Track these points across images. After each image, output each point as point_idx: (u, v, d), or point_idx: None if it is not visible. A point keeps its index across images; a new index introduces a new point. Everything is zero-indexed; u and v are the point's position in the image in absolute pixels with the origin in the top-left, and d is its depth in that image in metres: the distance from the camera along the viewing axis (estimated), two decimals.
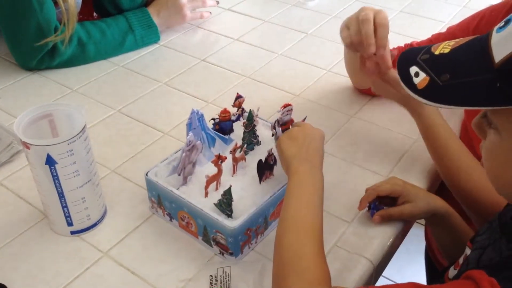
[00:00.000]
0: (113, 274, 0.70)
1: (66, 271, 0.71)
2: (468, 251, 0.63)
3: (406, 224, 0.78)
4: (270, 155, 0.74)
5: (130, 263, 0.72)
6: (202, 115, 0.78)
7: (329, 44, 1.22)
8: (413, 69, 0.53)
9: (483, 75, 0.48)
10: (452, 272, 0.65)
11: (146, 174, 0.75)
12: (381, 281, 1.81)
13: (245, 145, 0.80)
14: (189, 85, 1.08)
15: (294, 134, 0.73)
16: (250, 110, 0.80)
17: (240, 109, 0.85)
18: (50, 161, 0.67)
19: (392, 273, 1.69)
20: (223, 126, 0.83)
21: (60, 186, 0.70)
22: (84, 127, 0.69)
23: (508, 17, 0.49)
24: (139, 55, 1.18)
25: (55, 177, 0.69)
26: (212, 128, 0.82)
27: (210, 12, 1.32)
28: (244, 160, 0.78)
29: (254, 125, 0.81)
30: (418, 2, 1.40)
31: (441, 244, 0.80)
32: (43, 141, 0.66)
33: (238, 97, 0.84)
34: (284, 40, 1.24)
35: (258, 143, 0.82)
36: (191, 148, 0.73)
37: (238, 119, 0.85)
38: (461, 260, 0.64)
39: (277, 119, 0.78)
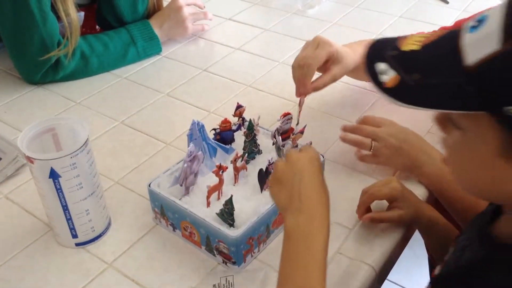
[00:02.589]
0: (118, 285, 0.71)
1: (72, 283, 0.72)
2: (451, 249, 0.63)
3: (408, 230, 0.78)
4: (270, 164, 0.75)
5: (134, 274, 0.72)
6: (202, 126, 0.79)
7: None
8: (380, 66, 0.50)
9: (455, 78, 0.46)
10: (437, 270, 0.65)
11: (149, 185, 0.76)
12: (387, 286, 1.82)
13: (246, 154, 0.80)
14: (191, 95, 1.09)
15: (280, 175, 0.64)
16: (251, 119, 0.81)
17: (241, 118, 0.85)
18: (53, 175, 0.68)
19: (399, 277, 1.69)
20: (224, 136, 0.83)
21: (64, 199, 0.71)
22: (86, 141, 0.70)
23: (480, 16, 0.47)
24: (141, 66, 1.19)
25: (59, 190, 0.70)
26: (213, 138, 0.82)
27: (208, 25, 1.33)
28: (245, 169, 0.79)
29: (255, 134, 0.81)
30: (417, 7, 1.41)
31: (431, 249, 0.81)
32: (46, 155, 0.67)
33: (239, 106, 0.85)
34: (285, 48, 1.25)
35: (259, 152, 0.83)
36: (192, 158, 0.74)
37: (239, 128, 0.85)
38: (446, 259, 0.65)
39: (277, 128, 0.79)
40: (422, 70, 0.49)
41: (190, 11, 1.27)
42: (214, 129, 0.84)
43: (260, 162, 0.80)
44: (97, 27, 1.28)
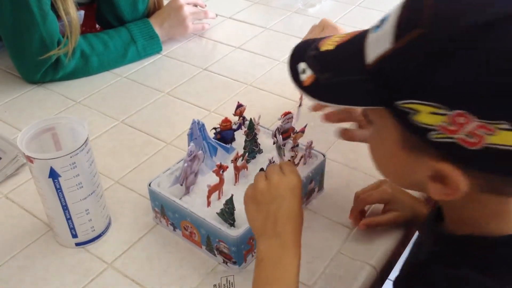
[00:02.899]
0: (118, 285, 0.71)
1: (71, 283, 0.71)
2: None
3: (409, 229, 0.78)
4: (271, 163, 0.75)
5: (134, 274, 0.72)
6: (203, 125, 0.78)
7: None
8: (301, 66, 0.54)
9: (358, 75, 0.49)
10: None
11: (149, 185, 0.76)
12: (389, 286, 1.80)
13: (247, 153, 0.80)
14: (191, 95, 1.09)
15: (259, 196, 0.64)
16: (251, 118, 0.81)
17: (241, 118, 0.85)
18: (53, 174, 0.68)
19: None
20: (225, 135, 0.83)
21: (64, 199, 0.71)
22: (86, 140, 0.69)
23: (384, 15, 0.49)
24: (141, 65, 1.19)
25: (58, 190, 0.69)
26: (213, 138, 0.82)
27: (209, 24, 1.33)
28: (246, 169, 0.79)
29: (255, 134, 0.81)
30: None
31: None
32: (46, 155, 0.67)
33: (239, 106, 0.84)
34: (285, 47, 1.23)
35: (260, 151, 0.82)
36: (192, 158, 0.73)
37: (239, 128, 0.85)
38: None
39: (278, 127, 0.79)
40: (332, 69, 0.52)
41: (191, 10, 1.27)
42: (215, 128, 0.84)
43: (261, 162, 0.80)
44: (97, 26, 1.27)
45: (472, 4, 0.44)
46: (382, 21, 0.49)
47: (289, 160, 0.77)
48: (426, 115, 0.44)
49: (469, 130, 0.43)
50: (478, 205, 0.51)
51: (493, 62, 0.42)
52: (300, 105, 0.83)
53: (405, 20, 0.46)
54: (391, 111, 0.47)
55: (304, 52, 0.55)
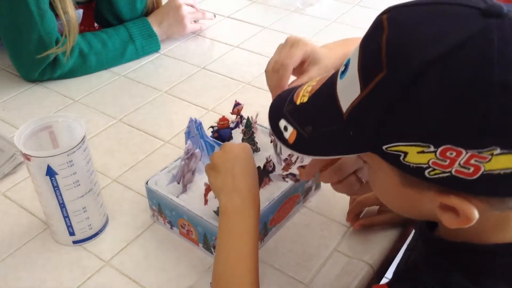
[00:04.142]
0: (115, 282, 0.71)
1: (69, 281, 0.71)
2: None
3: (405, 227, 0.78)
4: (268, 161, 0.75)
5: (131, 272, 0.72)
6: (200, 123, 0.78)
7: None
8: (282, 123, 0.53)
9: (337, 125, 0.48)
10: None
11: (146, 183, 0.76)
12: None
13: None
14: (189, 93, 1.09)
15: (215, 162, 0.68)
16: (248, 117, 0.81)
17: (239, 116, 0.85)
18: (50, 172, 0.68)
19: None
20: (222, 133, 0.83)
21: (61, 197, 0.71)
22: (83, 138, 0.70)
23: (346, 60, 0.49)
24: (139, 64, 1.19)
25: (55, 187, 0.70)
26: (211, 136, 0.82)
27: (205, 24, 1.33)
28: None
29: (253, 132, 0.81)
30: None
31: None
32: (43, 153, 0.67)
33: (237, 104, 0.85)
34: None
35: (257, 149, 0.82)
36: (190, 156, 0.74)
37: (236, 126, 0.85)
38: None
39: None
40: (311, 122, 0.51)
41: (189, 10, 1.27)
42: (212, 127, 0.84)
43: (258, 160, 0.80)
44: (95, 25, 1.27)
45: (420, 39, 0.43)
46: (346, 65, 0.48)
47: (286, 159, 0.77)
48: (415, 155, 0.43)
49: (463, 162, 0.42)
50: (481, 218, 0.49)
51: (456, 89, 0.41)
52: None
53: (367, 65, 0.46)
54: (381, 156, 0.46)
55: (281, 108, 0.54)
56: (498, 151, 0.41)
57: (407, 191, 0.48)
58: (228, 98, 1.06)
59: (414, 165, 0.44)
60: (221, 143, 0.81)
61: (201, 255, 0.74)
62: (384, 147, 0.45)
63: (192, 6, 1.29)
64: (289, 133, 0.52)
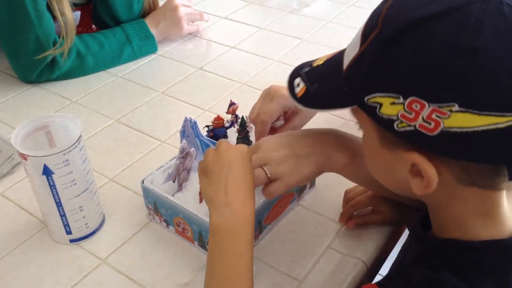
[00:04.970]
0: (111, 280, 0.72)
1: (66, 279, 0.72)
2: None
3: (399, 225, 0.79)
4: None
5: (127, 269, 0.73)
6: (195, 123, 0.79)
7: (324, 49, 1.23)
8: (297, 81, 0.60)
9: (337, 82, 0.54)
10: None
11: (142, 182, 0.77)
12: None
13: None
14: (186, 94, 1.10)
15: (208, 166, 0.64)
16: (243, 116, 0.82)
17: (234, 115, 0.86)
18: (47, 172, 0.69)
19: None
20: (217, 133, 0.84)
21: (58, 196, 0.72)
22: (79, 138, 0.70)
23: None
24: (137, 65, 1.20)
25: (52, 187, 0.70)
26: (206, 135, 0.83)
27: (202, 25, 1.34)
28: None
29: (248, 131, 0.82)
30: None
31: None
32: (39, 152, 0.68)
33: (232, 104, 0.85)
34: (280, 47, 1.25)
35: None
36: (185, 155, 0.74)
37: (231, 125, 0.86)
38: None
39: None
40: (320, 79, 0.58)
41: (186, 11, 1.28)
42: (207, 126, 0.85)
43: None
44: (93, 26, 1.28)
45: (413, 4, 0.49)
46: (356, 34, 0.54)
47: None
48: (388, 106, 0.48)
49: (425, 115, 0.46)
50: (462, 202, 0.52)
51: (428, 49, 0.46)
52: None
53: (368, 27, 0.52)
54: (362, 108, 0.51)
55: (299, 69, 0.61)
56: (456, 107, 0.45)
57: (385, 153, 0.53)
58: (225, 98, 1.07)
59: (386, 117, 0.49)
60: (216, 142, 0.82)
61: (196, 252, 0.75)
62: (365, 98, 0.50)
63: (189, 7, 1.30)
64: (299, 88, 0.59)
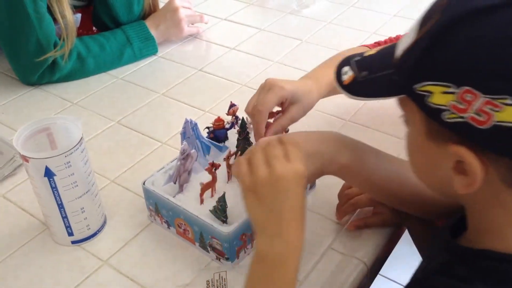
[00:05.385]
0: (113, 281, 0.72)
1: (67, 280, 0.73)
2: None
3: (400, 226, 0.79)
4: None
5: (129, 271, 0.73)
6: (196, 124, 0.79)
7: (324, 50, 1.23)
8: (345, 69, 0.59)
9: (387, 70, 0.54)
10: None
11: (143, 183, 0.77)
12: (386, 283, 1.81)
13: (239, 152, 0.81)
14: (186, 95, 1.10)
15: (259, 187, 0.59)
16: (243, 117, 0.82)
17: (234, 117, 0.86)
18: (48, 173, 0.69)
19: (398, 274, 1.70)
20: (218, 134, 0.84)
21: (60, 197, 0.72)
22: (80, 140, 0.71)
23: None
24: (137, 67, 1.20)
25: (54, 188, 0.71)
26: (206, 137, 0.83)
27: (201, 27, 1.34)
28: None
29: (248, 132, 0.82)
30: (412, 6, 1.41)
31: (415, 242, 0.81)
32: (41, 154, 0.68)
33: (232, 105, 0.86)
34: (280, 48, 1.26)
35: None
36: (185, 156, 0.75)
37: (232, 127, 0.86)
38: None
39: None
40: (369, 68, 0.57)
41: (187, 13, 1.28)
42: (208, 128, 0.85)
43: None
44: (93, 28, 1.29)
45: None
46: (412, 25, 0.53)
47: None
48: (438, 95, 0.47)
49: (477, 107, 0.45)
50: (503, 207, 0.50)
51: (484, 39, 0.45)
52: None
53: (426, 17, 0.50)
54: (410, 96, 0.50)
55: (349, 58, 0.60)
56: (509, 101, 0.44)
57: (430, 146, 0.51)
58: (225, 99, 1.07)
59: (436, 107, 0.47)
60: (216, 143, 0.83)
61: (197, 253, 0.75)
62: (415, 86, 0.49)
63: (189, 9, 1.30)
64: (347, 76, 0.58)
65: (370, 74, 0.57)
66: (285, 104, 0.81)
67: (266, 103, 0.78)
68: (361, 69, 0.58)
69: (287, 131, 0.83)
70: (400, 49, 0.52)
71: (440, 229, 0.63)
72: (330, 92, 0.89)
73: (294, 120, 0.82)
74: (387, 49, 0.57)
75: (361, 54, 0.60)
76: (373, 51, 0.59)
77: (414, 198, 0.69)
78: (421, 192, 0.64)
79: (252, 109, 0.79)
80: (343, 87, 0.59)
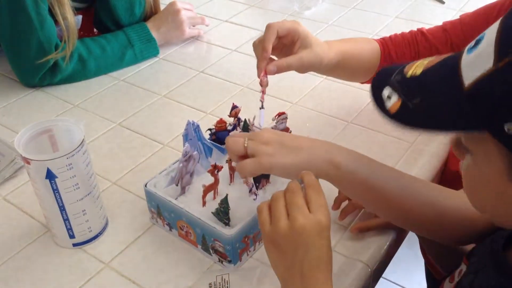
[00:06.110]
0: (115, 284, 0.72)
1: (69, 283, 0.72)
2: (464, 267, 0.62)
3: (403, 229, 0.79)
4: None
5: (131, 273, 0.73)
6: (198, 126, 0.79)
7: None
8: (386, 91, 0.51)
9: (452, 99, 0.46)
10: (447, 285, 0.64)
11: (145, 185, 0.77)
12: (388, 285, 1.80)
13: None
14: (188, 97, 1.10)
15: (279, 240, 0.57)
16: (245, 119, 0.82)
17: (236, 118, 0.86)
18: (50, 175, 0.69)
19: (400, 278, 1.69)
20: (220, 136, 0.84)
21: (61, 200, 0.72)
22: (82, 141, 0.71)
23: (479, 36, 0.47)
24: (138, 69, 1.20)
25: (55, 190, 0.70)
26: (209, 139, 0.83)
27: (202, 30, 1.34)
28: None
29: None
30: (413, 8, 1.41)
31: (427, 248, 0.80)
32: (42, 156, 0.68)
33: (234, 107, 0.85)
34: None
35: None
36: (188, 158, 0.74)
37: (234, 128, 0.86)
38: (456, 274, 0.63)
39: (272, 128, 0.80)
40: (422, 93, 0.48)
41: (188, 15, 1.28)
42: (210, 129, 0.85)
43: None
44: (95, 30, 1.29)
45: None
46: (477, 41, 0.46)
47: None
48: None
49: None
50: None
51: None
52: (262, 107, 0.84)
53: (506, 39, 0.43)
54: (495, 136, 0.44)
55: (388, 77, 0.52)
56: None
57: (509, 185, 0.46)
58: (226, 101, 1.07)
59: None
60: (218, 145, 0.82)
61: (199, 256, 0.75)
62: (505, 125, 0.42)
63: (190, 11, 1.30)
64: (393, 102, 0.49)
65: (425, 101, 0.48)
66: (297, 45, 0.82)
67: (279, 23, 0.79)
68: (411, 93, 0.49)
69: (289, 131, 0.83)
70: (470, 76, 0.45)
71: (488, 242, 0.59)
72: (339, 62, 0.89)
73: (301, 61, 0.82)
74: (440, 69, 0.49)
75: (400, 72, 0.51)
76: (416, 70, 0.50)
77: (437, 221, 0.67)
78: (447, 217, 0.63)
79: (262, 35, 0.79)
80: (391, 117, 0.49)
